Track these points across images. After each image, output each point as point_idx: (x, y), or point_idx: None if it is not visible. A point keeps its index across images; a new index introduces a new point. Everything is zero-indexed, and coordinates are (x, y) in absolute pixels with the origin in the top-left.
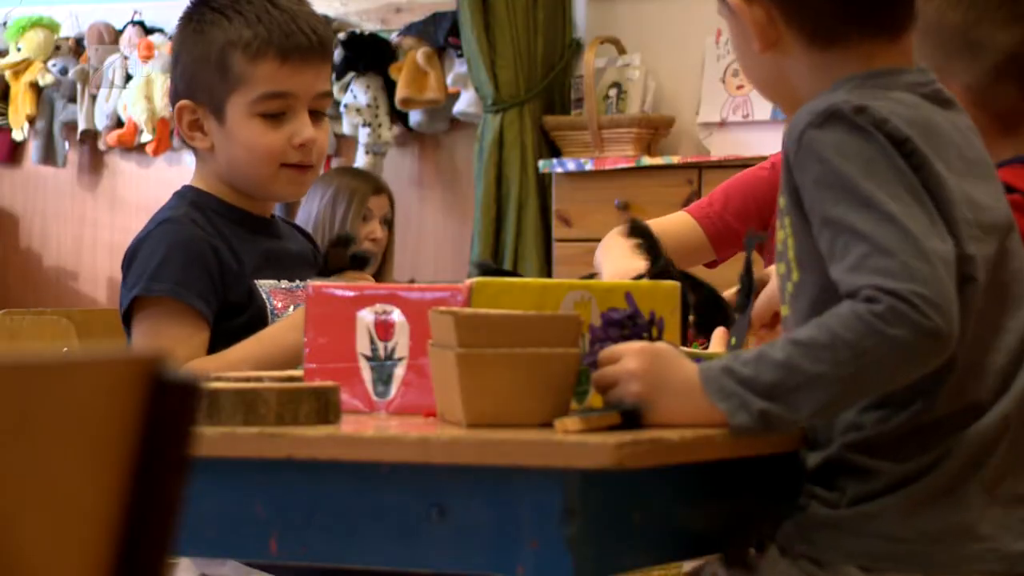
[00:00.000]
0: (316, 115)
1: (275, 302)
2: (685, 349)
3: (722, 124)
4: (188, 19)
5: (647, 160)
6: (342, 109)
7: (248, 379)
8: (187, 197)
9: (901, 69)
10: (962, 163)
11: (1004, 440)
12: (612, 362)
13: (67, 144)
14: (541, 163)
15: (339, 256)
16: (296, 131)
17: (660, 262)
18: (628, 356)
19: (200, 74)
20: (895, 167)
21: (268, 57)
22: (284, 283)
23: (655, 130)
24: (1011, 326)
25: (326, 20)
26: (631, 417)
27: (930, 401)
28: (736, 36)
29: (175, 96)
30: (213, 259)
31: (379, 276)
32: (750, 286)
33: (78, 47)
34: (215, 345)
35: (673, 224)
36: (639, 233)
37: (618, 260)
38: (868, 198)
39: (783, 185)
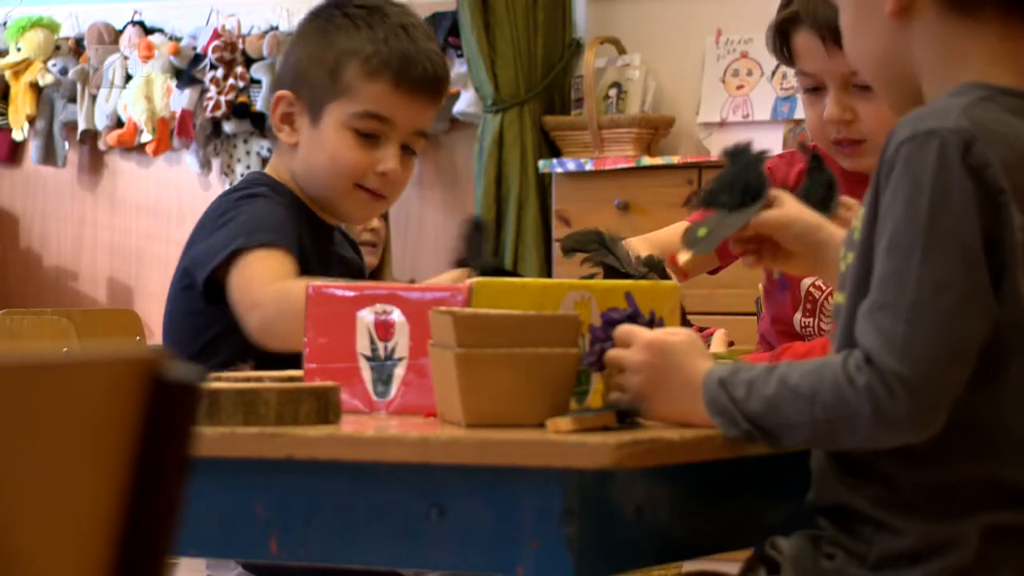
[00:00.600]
0: (406, 150)
1: None
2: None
3: (722, 124)
4: (317, 16)
5: (647, 160)
6: None
7: (248, 379)
8: (263, 182)
9: None
10: None
11: None
12: (625, 344)
13: (67, 144)
14: (541, 163)
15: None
16: (383, 158)
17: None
18: (638, 346)
19: (310, 71)
20: (965, 223)
21: (382, 78)
22: None
23: (655, 130)
24: None
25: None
26: (627, 417)
27: (946, 464)
28: (853, 8)
29: (276, 85)
30: (296, 232)
31: (379, 269)
32: (762, 183)
33: (78, 47)
34: None
35: (678, 233)
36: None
37: None
38: (915, 246)
39: (873, 176)
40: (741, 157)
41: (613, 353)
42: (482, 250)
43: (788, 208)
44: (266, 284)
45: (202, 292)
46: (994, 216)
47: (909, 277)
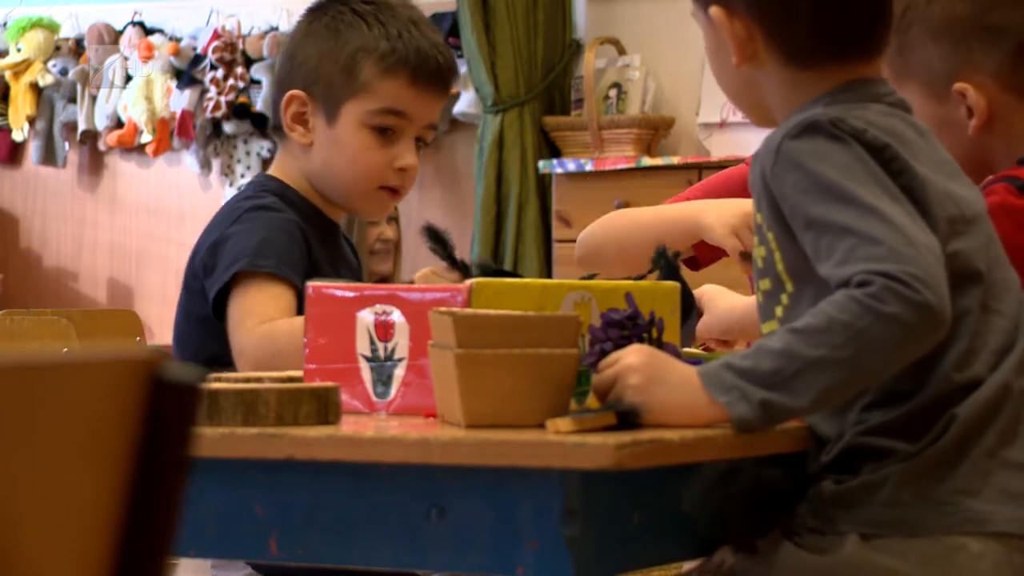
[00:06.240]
0: (418, 142)
1: None
2: (686, 350)
3: (722, 125)
4: (321, 13)
5: (647, 161)
6: None
7: (248, 379)
8: (269, 187)
9: (869, 79)
10: (932, 164)
11: (1004, 408)
12: (611, 364)
13: (67, 145)
14: (541, 163)
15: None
16: (400, 154)
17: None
18: (626, 353)
19: (323, 70)
20: (872, 171)
21: (399, 74)
22: None
23: (655, 130)
24: (1003, 309)
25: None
26: (627, 418)
27: (932, 387)
28: (712, 46)
29: (284, 84)
30: (304, 242)
31: (392, 274)
32: (689, 300)
33: (78, 47)
34: None
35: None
36: (434, 238)
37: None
38: (849, 196)
39: (760, 202)
40: (660, 262)
41: (603, 375)
42: (449, 248)
43: (715, 311)
44: (253, 329)
45: (211, 310)
46: (889, 167)
47: (863, 216)
